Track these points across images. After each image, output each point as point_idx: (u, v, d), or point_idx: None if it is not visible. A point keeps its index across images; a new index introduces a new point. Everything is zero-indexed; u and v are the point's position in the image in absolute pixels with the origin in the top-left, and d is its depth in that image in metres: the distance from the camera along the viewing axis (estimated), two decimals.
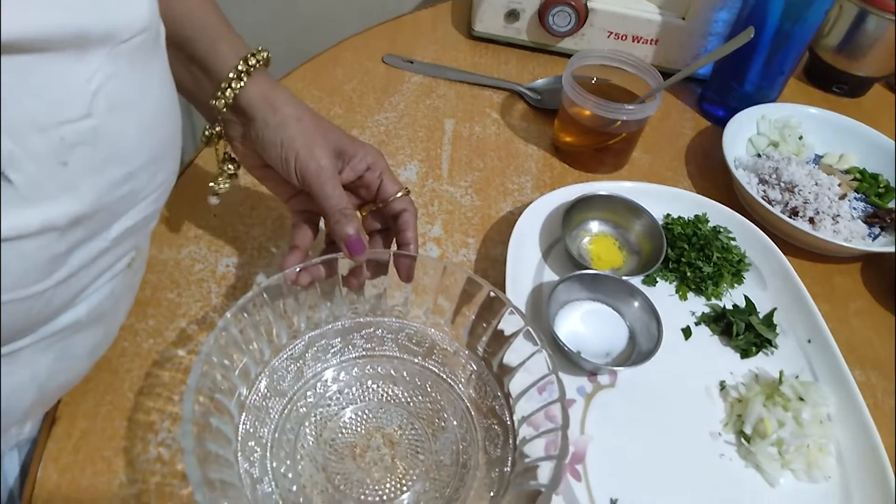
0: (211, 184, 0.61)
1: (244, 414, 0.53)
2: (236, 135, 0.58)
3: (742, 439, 0.60)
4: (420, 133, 0.87)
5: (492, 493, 0.52)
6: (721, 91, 0.96)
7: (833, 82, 1.08)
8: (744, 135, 0.91)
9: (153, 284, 0.64)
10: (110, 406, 0.56)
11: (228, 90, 0.54)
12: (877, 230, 0.83)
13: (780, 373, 0.63)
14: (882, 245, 0.81)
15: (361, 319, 0.62)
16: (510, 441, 0.54)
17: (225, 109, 0.55)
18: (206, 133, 0.59)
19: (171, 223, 0.70)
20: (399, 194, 0.59)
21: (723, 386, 0.64)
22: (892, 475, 0.56)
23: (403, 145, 0.84)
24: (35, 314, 0.40)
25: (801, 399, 0.60)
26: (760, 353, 0.67)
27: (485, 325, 0.58)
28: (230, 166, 0.62)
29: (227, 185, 0.61)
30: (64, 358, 0.47)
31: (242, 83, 0.54)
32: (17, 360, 0.42)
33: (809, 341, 0.67)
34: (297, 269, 0.56)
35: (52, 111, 0.35)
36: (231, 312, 0.51)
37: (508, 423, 0.55)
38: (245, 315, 0.52)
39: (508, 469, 0.53)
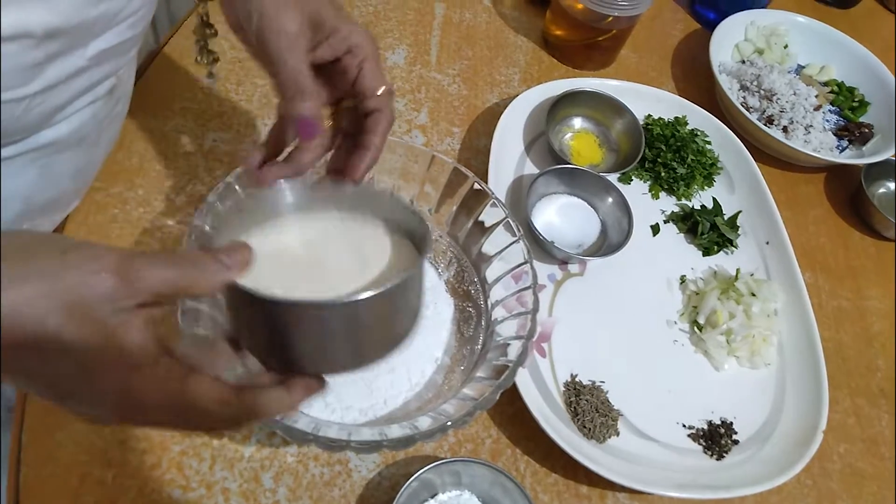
0: (196, 57, 0.62)
1: None
2: None
3: (695, 328, 0.66)
4: (409, 16, 0.85)
5: (462, 368, 0.56)
6: None
7: None
8: (731, 40, 0.92)
9: (140, 154, 0.65)
10: None
11: None
12: (845, 143, 0.87)
13: (737, 270, 0.68)
14: (848, 158, 0.84)
15: None
16: (482, 322, 0.58)
17: None
18: None
19: (157, 95, 0.69)
20: (380, 92, 0.48)
21: (683, 280, 0.69)
22: (823, 364, 0.63)
23: (392, 28, 0.83)
24: (16, 121, 0.42)
25: (753, 294, 0.65)
26: (721, 251, 0.72)
27: (467, 214, 0.60)
28: (208, 30, 0.60)
29: (208, 59, 0.62)
30: (48, 175, 0.50)
31: None
32: (4, 171, 0.45)
33: (768, 243, 0.72)
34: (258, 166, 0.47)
35: None
36: (224, 184, 0.52)
37: (482, 305, 0.59)
38: (237, 188, 0.54)
39: (479, 347, 0.57)
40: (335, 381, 0.51)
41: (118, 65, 0.49)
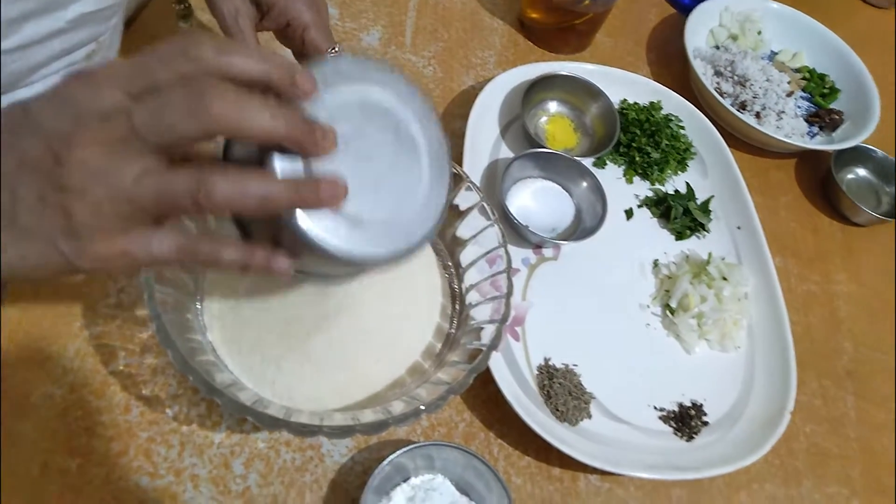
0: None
1: None
2: None
3: (667, 312, 0.66)
4: None
5: (435, 352, 0.56)
6: None
7: None
8: (706, 25, 0.92)
9: None
10: None
11: None
12: (816, 129, 0.87)
13: (709, 254, 0.69)
14: (818, 144, 0.85)
15: None
16: (456, 306, 0.58)
17: None
18: None
19: None
20: (328, 54, 0.57)
21: (656, 264, 0.69)
22: (791, 347, 0.64)
23: (366, 8, 0.82)
24: None
25: (725, 278, 0.66)
26: (694, 236, 0.72)
27: None
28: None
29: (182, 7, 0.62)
30: None
31: None
32: None
33: (739, 228, 0.73)
34: None
35: None
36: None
37: (456, 289, 0.59)
38: None
39: (453, 331, 0.57)
40: (316, 370, 0.51)
41: (98, 31, 0.49)
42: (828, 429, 0.66)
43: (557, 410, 0.57)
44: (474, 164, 0.69)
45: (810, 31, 0.94)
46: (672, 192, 0.74)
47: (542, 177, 0.71)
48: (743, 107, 0.83)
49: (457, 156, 0.67)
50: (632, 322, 0.66)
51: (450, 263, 0.60)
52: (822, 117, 0.87)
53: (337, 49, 0.57)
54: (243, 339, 0.50)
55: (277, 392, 0.49)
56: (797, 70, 0.92)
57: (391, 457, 0.49)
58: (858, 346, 0.72)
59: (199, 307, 0.52)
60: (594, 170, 0.72)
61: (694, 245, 0.72)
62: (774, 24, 0.94)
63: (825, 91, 0.91)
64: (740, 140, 0.83)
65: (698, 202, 0.74)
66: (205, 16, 0.73)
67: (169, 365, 0.53)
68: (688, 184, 0.75)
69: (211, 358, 0.48)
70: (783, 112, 0.83)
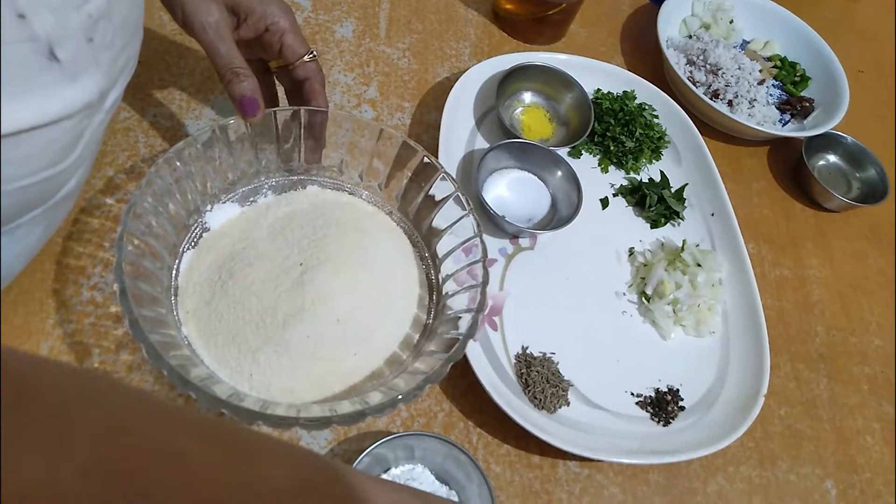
0: None
1: (177, 260, 0.54)
2: None
3: (643, 299, 0.67)
4: None
5: (413, 342, 0.56)
6: None
7: None
8: (678, 15, 0.93)
9: None
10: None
11: None
12: (787, 117, 0.89)
13: (684, 241, 0.70)
14: (790, 131, 0.86)
15: (295, 178, 0.62)
16: (433, 296, 0.58)
17: None
18: None
19: None
20: (306, 58, 0.56)
21: (631, 252, 0.70)
22: (765, 332, 0.65)
23: (340, 0, 0.81)
24: (49, 192, 0.41)
25: (699, 265, 0.67)
26: (668, 223, 0.73)
27: (417, 189, 0.60)
28: None
29: None
30: (50, 227, 0.48)
31: None
32: (14, 235, 0.43)
33: (713, 215, 0.74)
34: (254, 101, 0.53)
35: None
36: (164, 158, 0.51)
37: (433, 280, 0.59)
38: (179, 163, 0.52)
39: (430, 321, 0.57)
40: (293, 362, 0.51)
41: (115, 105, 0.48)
42: (801, 411, 0.67)
43: (535, 398, 0.58)
44: (450, 156, 0.69)
45: (781, 20, 0.95)
46: (646, 181, 0.75)
47: (518, 167, 0.71)
48: (715, 95, 0.84)
49: (432, 147, 0.67)
50: (608, 310, 0.66)
51: (426, 254, 0.60)
52: (794, 105, 0.89)
53: (314, 53, 0.57)
54: (219, 333, 0.50)
55: (254, 385, 0.49)
56: (769, 58, 0.94)
57: (371, 448, 0.49)
58: (830, 330, 0.73)
59: (174, 302, 0.52)
60: (569, 159, 0.72)
61: (669, 232, 0.73)
62: (746, 13, 0.95)
63: (796, 79, 0.92)
64: (713, 128, 0.84)
65: (672, 190, 0.74)
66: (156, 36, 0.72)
67: (144, 361, 0.53)
68: (662, 172, 0.76)
69: (186, 353, 0.48)
70: (755, 100, 0.84)
